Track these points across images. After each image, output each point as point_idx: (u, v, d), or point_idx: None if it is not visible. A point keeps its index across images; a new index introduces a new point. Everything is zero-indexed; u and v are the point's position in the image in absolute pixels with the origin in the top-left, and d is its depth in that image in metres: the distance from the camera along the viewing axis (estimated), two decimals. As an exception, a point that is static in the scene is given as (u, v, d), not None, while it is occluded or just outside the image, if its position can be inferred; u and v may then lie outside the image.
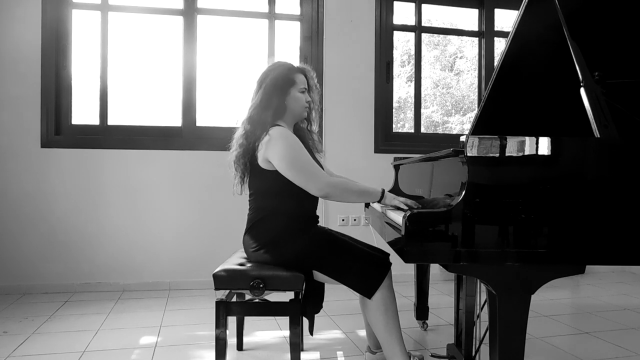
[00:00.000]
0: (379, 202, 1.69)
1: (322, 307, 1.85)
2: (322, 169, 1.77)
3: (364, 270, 1.59)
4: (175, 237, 3.13)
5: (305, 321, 1.80)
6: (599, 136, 1.35)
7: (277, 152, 1.60)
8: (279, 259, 1.65)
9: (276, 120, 1.71)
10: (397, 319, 1.61)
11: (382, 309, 1.58)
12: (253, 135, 1.67)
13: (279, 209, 1.68)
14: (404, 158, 2.23)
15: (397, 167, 2.34)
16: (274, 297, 1.71)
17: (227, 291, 1.70)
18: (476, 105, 4.08)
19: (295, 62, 1.83)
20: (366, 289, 1.58)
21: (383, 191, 1.68)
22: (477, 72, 3.87)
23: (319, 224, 1.82)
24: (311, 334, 1.81)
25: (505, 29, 3.75)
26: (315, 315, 1.87)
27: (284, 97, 1.72)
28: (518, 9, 1.63)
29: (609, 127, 1.37)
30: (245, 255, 1.85)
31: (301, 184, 1.61)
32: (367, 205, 2.23)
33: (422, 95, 3.65)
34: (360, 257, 1.62)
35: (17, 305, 2.68)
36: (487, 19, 3.69)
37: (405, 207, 1.60)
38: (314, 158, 1.75)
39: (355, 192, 1.66)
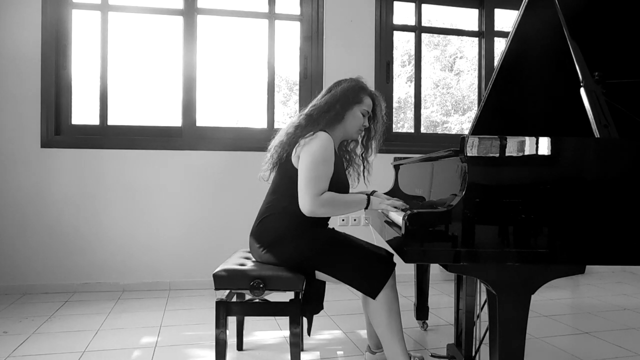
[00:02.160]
0: (365, 209, 1.67)
1: (322, 307, 1.85)
2: (348, 189, 1.80)
3: (368, 270, 1.59)
4: (176, 237, 3.13)
5: (304, 321, 1.80)
6: (599, 136, 1.35)
7: (311, 149, 1.62)
8: (282, 258, 1.66)
9: (328, 127, 1.73)
10: (400, 320, 1.61)
11: (385, 309, 1.58)
12: (303, 130, 1.70)
13: (290, 209, 1.67)
14: (404, 158, 2.23)
15: (397, 167, 2.34)
16: (274, 297, 1.71)
17: (227, 291, 1.70)
18: (476, 105, 4.07)
19: (371, 87, 1.88)
20: (370, 289, 1.58)
21: (369, 197, 1.66)
22: (477, 72, 3.87)
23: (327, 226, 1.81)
24: (308, 334, 1.81)
25: (505, 29, 3.74)
26: (316, 316, 1.87)
27: (346, 109, 1.75)
28: (518, 9, 1.64)
29: (609, 127, 1.37)
30: (246, 255, 1.85)
31: (300, 188, 1.61)
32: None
33: (422, 96, 3.65)
34: (365, 257, 1.62)
35: (17, 305, 2.68)
36: (487, 19, 3.69)
37: (393, 210, 1.60)
38: (343, 177, 1.77)
39: (341, 206, 1.64)
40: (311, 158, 1.61)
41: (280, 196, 1.73)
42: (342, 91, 1.77)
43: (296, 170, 1.66)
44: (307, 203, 1.59)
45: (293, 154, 1.68)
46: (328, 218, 1.78)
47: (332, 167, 1.65)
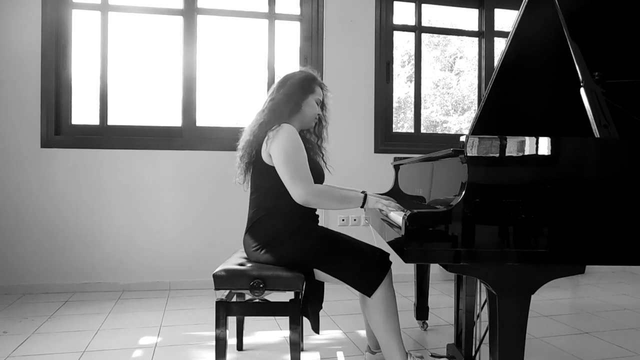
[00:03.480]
0: (361, 207, 1.69)
1: (321, 307, 1.85)
2: (323, 172, 1.82)
3: (364, 268, 1.60)
4: (175, 237, 3.13)
5: (308, 321, 1.80)
6: (599, 136, 1.35)
7: (279, 143, 1.63)
8: (279, 258, 1.66)
9: (289, 118, 1.76)
10: (397, 319, 1.61)
11: (382, 308, 1.59)
12: (267, 125, 1.71)
13: (279, 208, 1.69)
14: (404, 158, 2.23)
15: (397, 167, 2.34)
16: (274, 297, 1.71)
17: (227, 291, 1.70)
18: (476, 105, 4.08)
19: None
20: (366, 287, 1.59)
21: (365, 196, 1.68)
22: (477, 72, 3.87)
23: (319, 224, 1.82)
24: (317, 332, 1.80)
25: (505, 29, 3.75)
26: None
27: (303, 99, 1.79)
28: (518, 9, 1.63)
29: (609, 127, 1.37)
30: (245, 255, 1.85)
31: (286, 182, 1.62)
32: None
33: (422, 95, 3.65)
34: (361, 256, 1.63)
35: (17, 305, 2.68)
36: (487, 19, 3.69)
37: (385, 209, 1.61)
38: (315, 162, 1.79)
39: (336, 199, 1.66)
40: (284, 150, 1.62)
41: (264, 197, 1.73)
42: (297, 82, 1.80)
43: (270, 167, 1.67)
44: (300, 193, 1.60)
45: (263, 154, 1.69)
46: (315, 210, 1.79)
47: (305, 153, 1.67)
